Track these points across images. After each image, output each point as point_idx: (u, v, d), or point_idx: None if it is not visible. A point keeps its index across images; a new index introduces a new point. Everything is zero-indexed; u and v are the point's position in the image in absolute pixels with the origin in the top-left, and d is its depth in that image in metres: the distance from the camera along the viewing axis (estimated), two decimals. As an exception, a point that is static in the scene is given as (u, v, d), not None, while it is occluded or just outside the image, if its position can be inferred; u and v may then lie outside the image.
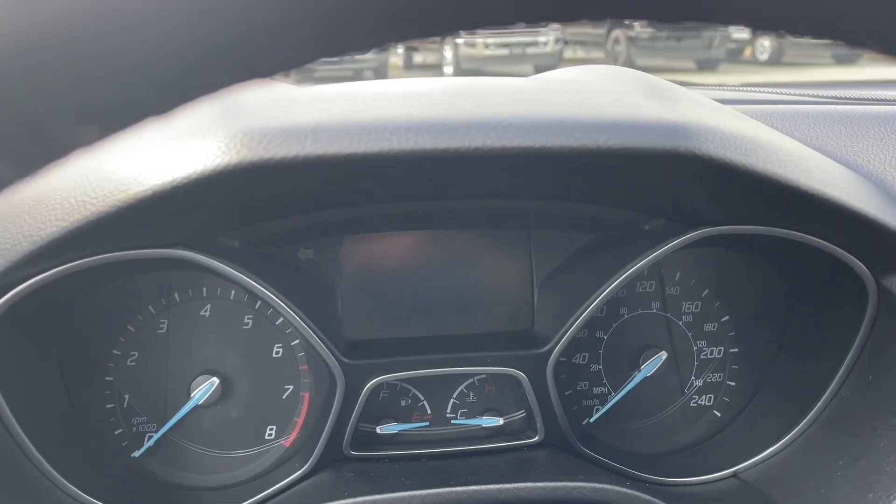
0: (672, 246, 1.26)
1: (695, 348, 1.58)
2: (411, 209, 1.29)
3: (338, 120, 0.95)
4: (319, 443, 1.36)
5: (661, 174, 1.06)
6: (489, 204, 1.30)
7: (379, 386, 1.42)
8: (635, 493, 1.24)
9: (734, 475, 1.44)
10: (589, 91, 1.13)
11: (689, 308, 1.57)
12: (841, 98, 1.70)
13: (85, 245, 1.07)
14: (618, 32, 15.96)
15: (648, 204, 1.27)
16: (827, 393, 1.39)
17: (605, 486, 1.24)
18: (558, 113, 0.97)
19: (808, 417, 1.40)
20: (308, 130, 0.93)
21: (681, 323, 1.57)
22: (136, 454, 1.43)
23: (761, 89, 2.00)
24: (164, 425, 1.44)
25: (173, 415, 1.44)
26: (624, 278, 1.30)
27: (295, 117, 0.96)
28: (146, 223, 1.06)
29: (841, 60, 11.36)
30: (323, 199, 1.16)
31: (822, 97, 1.75)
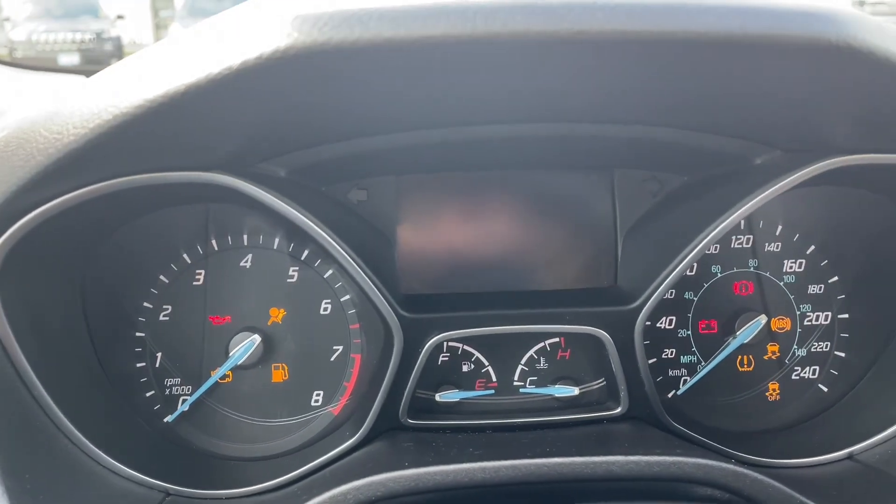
0: (792, 180, 1.06)
1: (797, 313, 1.38)
2: (479, 137, 1.11)
3: (410, 1, 0.78)
4: (373, 408, 1.20)
5: (796, 76, 0.86)
6: (570, 131, 1.12)
7: (438, 348, 1.26)
8: (744, 471, 1.05)
9: (850, 457, 1.24)
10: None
11: (791, 267, 1.37)
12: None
13: (109, 161, 0.91)
14: None
15: (766, 127, 1.07)
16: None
17: (710, 462, 1.05)
18: (680, -5, 0.79)
19: (941, 391, 1.20)
20: (373, 11, 0.76)
21: (781, 284, 1.37)
22: (169, 419, 1.28)
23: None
24: (199, 387, 1.29)
25: (210, 376, 1.29)
26: (732, 220, 1.11)
27: (361, 1, 0.79)
28: (180, 135, 0.90)
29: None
30: (382, 115, 0.99)
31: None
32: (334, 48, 0.75)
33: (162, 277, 1.28)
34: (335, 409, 1.32)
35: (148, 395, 1.28)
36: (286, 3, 0.82)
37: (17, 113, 1.03)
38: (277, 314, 1.31)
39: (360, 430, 1.20)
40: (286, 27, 0.76)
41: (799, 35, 0.77)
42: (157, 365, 1.29)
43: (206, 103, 0.81)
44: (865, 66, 0.80)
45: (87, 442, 1.08)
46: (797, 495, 1.05)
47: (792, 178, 1.07)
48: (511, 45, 0.77)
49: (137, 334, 1.27)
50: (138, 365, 1.28)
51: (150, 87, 0.81)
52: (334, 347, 1.32)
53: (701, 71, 0.86)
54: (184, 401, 1.29)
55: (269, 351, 1.29)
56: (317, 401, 1.33)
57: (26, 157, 0.89)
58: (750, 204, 1.10)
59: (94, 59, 17.60)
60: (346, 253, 1.11)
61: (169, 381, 1.29)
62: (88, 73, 2.39)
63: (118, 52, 18.52)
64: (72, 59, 17.35)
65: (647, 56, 0.81)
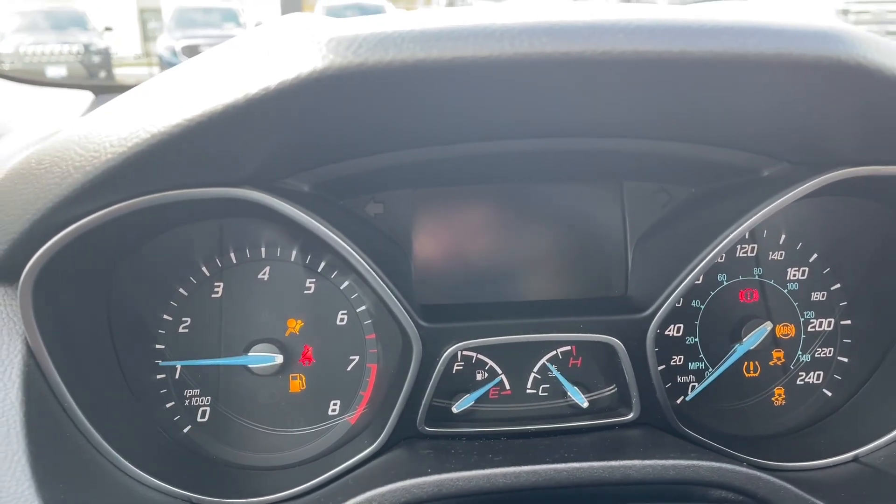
0: (800, 192, 1.10)
1: (801, 320, 1.42)
2: (495, 151, 1.15)
3: (439, 24, 0.81)
4: (392, 417, 1.22)
5: (807, 94, 0.90)
6: (583, 146, 1.15)
7: (453, 357, 1.28)
8: (758, 473, 1.08)
9: (855, 459, 1.28)
10: (727, 9, 0.98)
11: (794, 275, 1.41)
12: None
13: (145, 178, 0.94)
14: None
15: (775, 141, 1.11)
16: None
17: (724, 465, 1.08)
18: (697, 17, 0.83)
19: (944, 394, 1.23)
20: (405, 33, 0.80)
21: (785, 291, 1.41)
22: (188, 429, 1.30)
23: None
24: (219, 398, 1.32)
25: (228, 388, 1.32)
26: (740, 231, 1.15)
27: (390, 24, 0.82)
28: (214, 153, 0.92)
29: None
30: (407, 132, 1.02)
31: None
32: (369, 69, 0.78)
33: (181, 290, 1.30)
34: (352, 418, 1.34)
35: (168, 405, 1.30)
36: (317, 25, 0.85)
37: (39, 133, 1.05)
38: (295, 325, 1.34)
39: (379, 439, 1.22)
40: (322, 49, 0.79)
41: (812, 55, 0.81)
42: (177, 376, 1.31)
43: (242, 122, 0.84)
44: (873, 82, 0.84)
45: (113, 452, 1.10)
46: (809, 497, 1.08)
47: (799, 189, 1.10)
48: (537, 66, 0.80)
49: (158, 346, 1.29)
50: (158, 377, 1.30)
51: (188, 107, 0.84)
52: (351, 357, 1.35)
53: (714, 88, 0.90)
54: (203, 411, 1.31)
55: (286, 361, 1.31)
56: (334, 410, 1.35)
57: (62, 174, 0.92)
58: (758, 215, 1.14)
59: (83, 70, 17.56)
60: (367, 264, 1.14)
61: (188, 392, 1.31)
62: (77, 86, 2.40)
63: (106, 63, 18.49)
64: (59, 70, 17.28)
65: (664, 74, 0.84)
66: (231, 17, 20.85)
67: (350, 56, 0.78)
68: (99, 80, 17.20)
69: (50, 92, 2.54)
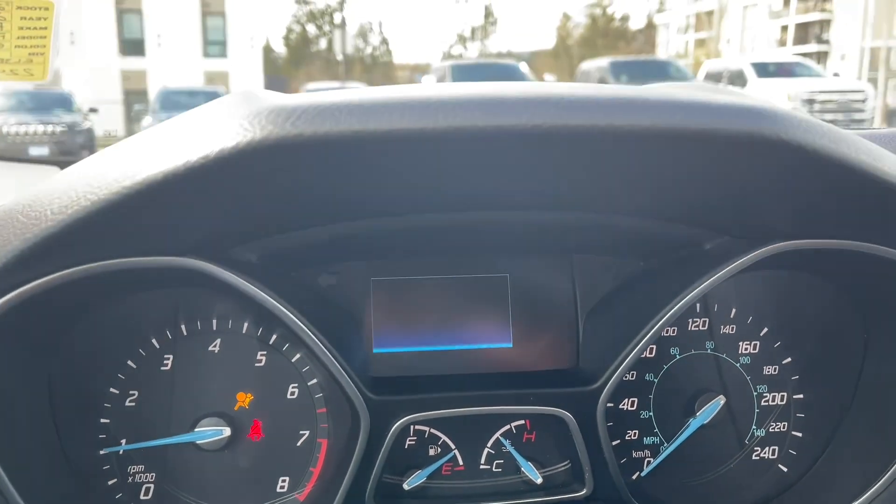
0: (738, 265, 1.13)
1: (755, 394, 1.42)
2: (442, 224, 1.17)
3: (376, 97, 0.84)
4: (339, 493, 1.20)
5: (735, 169, 0.93)
6: (530, 218, 1.17)
7: (405, 432, 1.27)
8: None
9: None
10: (654, 89, 1.02)
11: (746, 349, 1.42)
12: None
13: (86, 246, 0.94)
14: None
15: (712, 215, 1.14)
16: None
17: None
18: (626, 93, 0.86)
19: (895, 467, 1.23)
20: (343, 106, 0.82)
21: (738, 365, 1.42)
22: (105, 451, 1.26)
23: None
24: (164, 475, 1.28)
25: (174, 463, 1.28)
26: (684, 303, 1.17)
27: (327, 97, 0.85)
28: (156, 221, 0.93)
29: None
30: (351, 204, 1.04)
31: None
32: (306, 140, 0.80)
33: (130, 363, 1.28)
34: (301, 495, 1.31)
35: (110, 483, 1.26)
36: (263, 100, 0.88)
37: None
38: (244, 398, 1.31)
39: None
40: (262, 120, 0.82)
41: (735, 130, 0.85)
42: (121, 452, 1.27)
43: (182, 191, 0.86)
44: (795, 158, 0.87)
45: None
46: None
47: (738, 262, 1.13)
48: (471, 139, 0.83)
49: (102, 421, 1.27)
50: (101, 452, 1.26)
51: (128, 175, 0.86)
52: (301, 432, 1.32)
53: (646, 162, 0.93)
54: (146, 488, 1.27)
55: (234, 436, 1.29)
56: (282, 487, 1.31)
57: (3, 242, 0.92)
58: (700, 288, 1.16)
59: (66, 150, 17.73)
60: (315, 337, 1.13)
61: (132, 469, 1.28)
62: (59, 164, 2.43)
63: (90, 143, 18.67)
64: (41, 150, 17.41)
65: (595, 148, 0.87)
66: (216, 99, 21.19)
67: (288, 127, 0.81)
68: (81, 158, 17.33)
69: (32, 169, 2.55)
